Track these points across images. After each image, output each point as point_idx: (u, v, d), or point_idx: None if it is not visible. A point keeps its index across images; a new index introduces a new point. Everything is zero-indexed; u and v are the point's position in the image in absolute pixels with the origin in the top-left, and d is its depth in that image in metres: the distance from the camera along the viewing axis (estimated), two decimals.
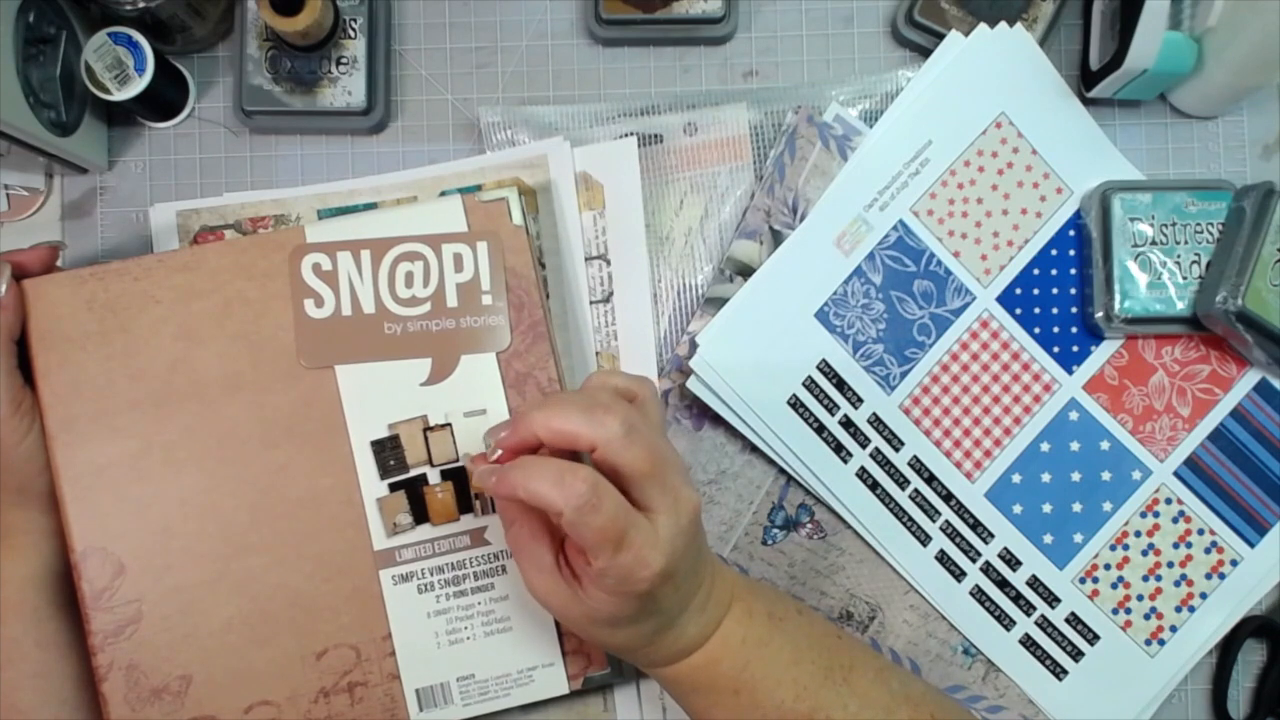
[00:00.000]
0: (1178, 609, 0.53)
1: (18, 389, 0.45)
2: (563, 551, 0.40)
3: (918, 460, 0.53)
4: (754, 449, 0.53)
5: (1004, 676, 0.53)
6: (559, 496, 0.35)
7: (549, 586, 0.39)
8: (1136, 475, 0.53)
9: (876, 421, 0.53)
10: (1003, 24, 0.53)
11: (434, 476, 0.48)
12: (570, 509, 0.35)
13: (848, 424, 0.53)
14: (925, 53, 0.55)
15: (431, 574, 0.48)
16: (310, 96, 0.54)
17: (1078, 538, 0.53)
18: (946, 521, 0.53)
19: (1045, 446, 0.53)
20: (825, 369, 0.52)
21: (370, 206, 0.53)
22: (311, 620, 0.47)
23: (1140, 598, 0.53)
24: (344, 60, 0.54)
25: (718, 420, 0.53)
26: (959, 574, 0.53)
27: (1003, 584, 0.53)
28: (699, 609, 0.42)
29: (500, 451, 0.39)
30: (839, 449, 0.53)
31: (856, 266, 0.53)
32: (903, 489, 0.53)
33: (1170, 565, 0.53)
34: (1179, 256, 0.52)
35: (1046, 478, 0.53)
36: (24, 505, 0.46)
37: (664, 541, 0.37)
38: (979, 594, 0.53)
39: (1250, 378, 0.54)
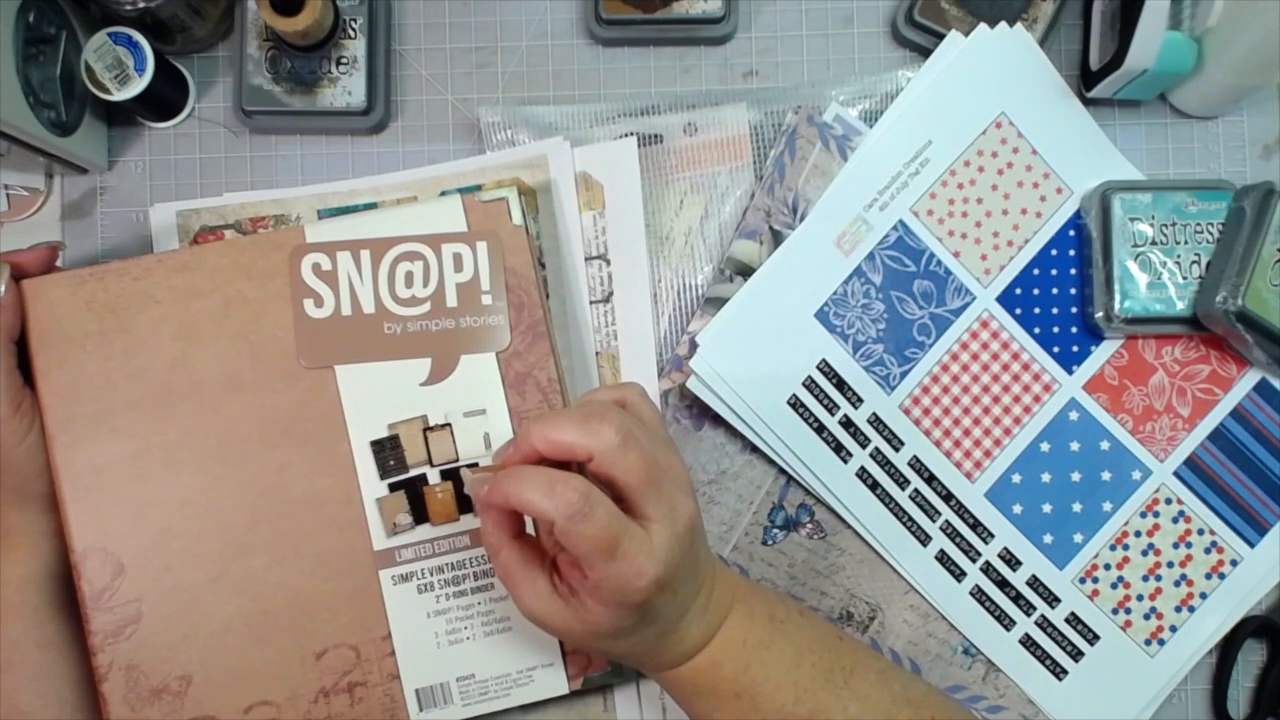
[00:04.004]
0: (1178, 609, 0.53)
1: (17, 389, 0.45)
2: (555, 572, 0.40)
3: (918, 460, 0.53)
4: (754, 449, 0.53)
5: (1004, 676, 0.53)
6: (550, 505, 0.35)
7: (547, 607, 0.39)
8: (1136, 475, 0.53)
9: (876, 421, 0.53)
10: (1003, 24, 0.53)
11: (434, 476, 0.48)
12: (562, 517, 0.35)
13: (848, 424, 0.53)
14: (925, 53, 0.55)
15: (431, 574, 0.48)
16: (310, 96, 0.54)
17: (1078, 538, 0.53)
18: (946, 521, 0.53)
19: (1045, 446, 0.53)
20: (825, 369, 0.52)
21: (370, 206, 0.53)
22: (311, 620, 0.47)
23: (1140, 598, 0.53)
24: (344, 60, 0.54)
25: (718, 420, 0.53)
26: (959, 574, 0.53)
27: (1003, 584, 0.53)
28: (700, 612, 0.42)
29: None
30: (839, 449, 0.53)
31: (856, 266, 0.53)
32: (903, 489, 0.53)
33: (1170, 565, 0.53)
34: (1179, 256, 0.52)
35: (1046, 478, 0.53)
36: (23, 506, 0.46)
37: (659, 550, 0.37)
38: (979, 594, 0.53)
39: (1250, 378, 0.54)
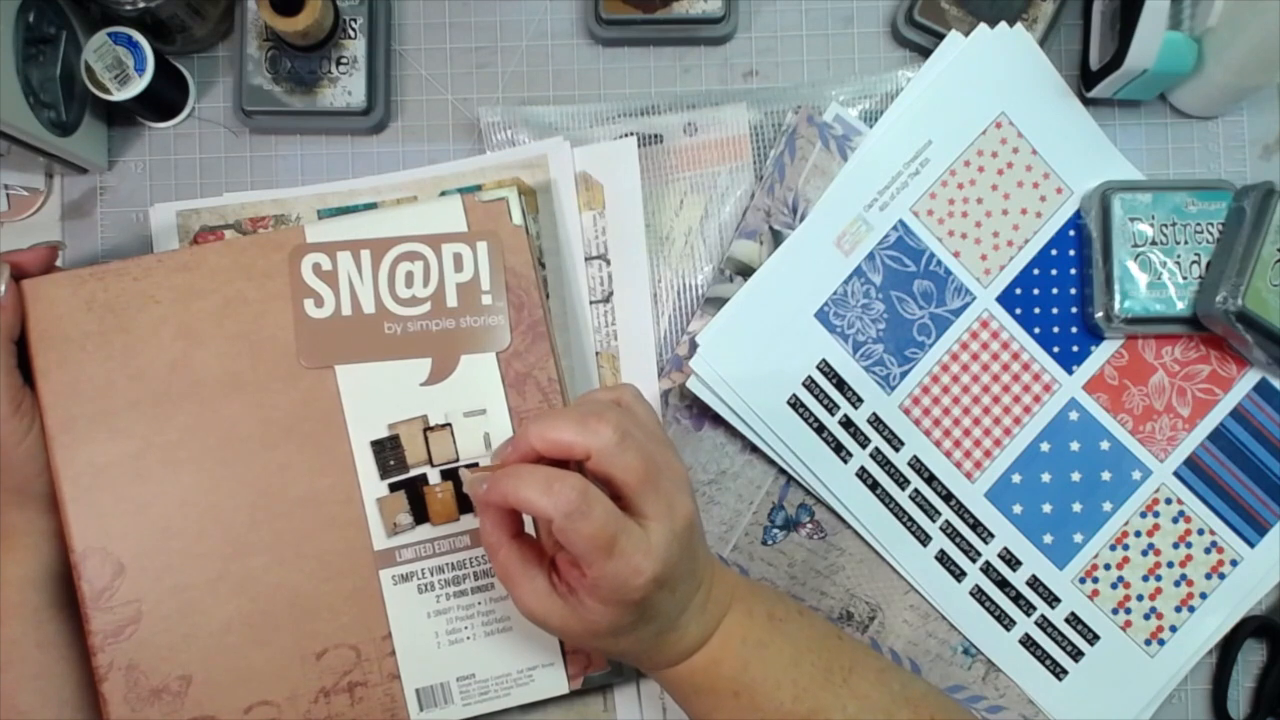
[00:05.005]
0: (1178, 609, 0.53)
1: (17, 389, 0.45)
2: (554, 571, 0.40)
3: (918, 460, 0.53)
4: (754, 449, 0.53)
5: (1004, 676, 0.53)
6: (549, 503, 0.36)
7: (546, 606, 0.39)
8: (1136, 475, 0.53)
9: (876, 421, 0.53)
10: (1003, 24, 0.53)
11: (434, 476, 0.48)
12: (560, 515, 0.35)
13: (848, 424, 0.53)
14: (925, 53, 0.55)
15: (431, 574, 0.48)
16: (310, 96, 0.54)
17: (1078, 538, 0.53)
18: (946, 521, 0.53)
19: (1045, 446, 0.53)
20: (825, 369, 0.52)
21: (370, 206, 0.53)
22: (311, 620, 0.47)
23: (1140, 598, 0.53)
24: (344, 60, 0.54)
25: (718, 420, 0.53)
26: (959, 574, 0.53)
27: (1003, 584, 0.53)
28: (699, 610, 0.42)
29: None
30: (839, 449, 0.53)
31: (856, 266, 0.53)
32: (903, 489, 0.53)
33: (1170, 565, 0.53)
34: (1179, 256, 0.52)
35: (1046, 478, 0.53)
36: (23, 506, 0.46)
37: (656, 548, 0.37)
38: (979, 594, 0.53)
39: (1250, 378, 0.54)
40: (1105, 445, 0.53)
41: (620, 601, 0.38)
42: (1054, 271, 0.54)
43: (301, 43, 0.52)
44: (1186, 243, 0.52)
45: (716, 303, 0.53)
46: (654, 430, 0.41)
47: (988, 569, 0.53)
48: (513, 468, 0.38)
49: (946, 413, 0.53)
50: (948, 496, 0.53)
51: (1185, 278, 0.51)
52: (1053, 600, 0.53)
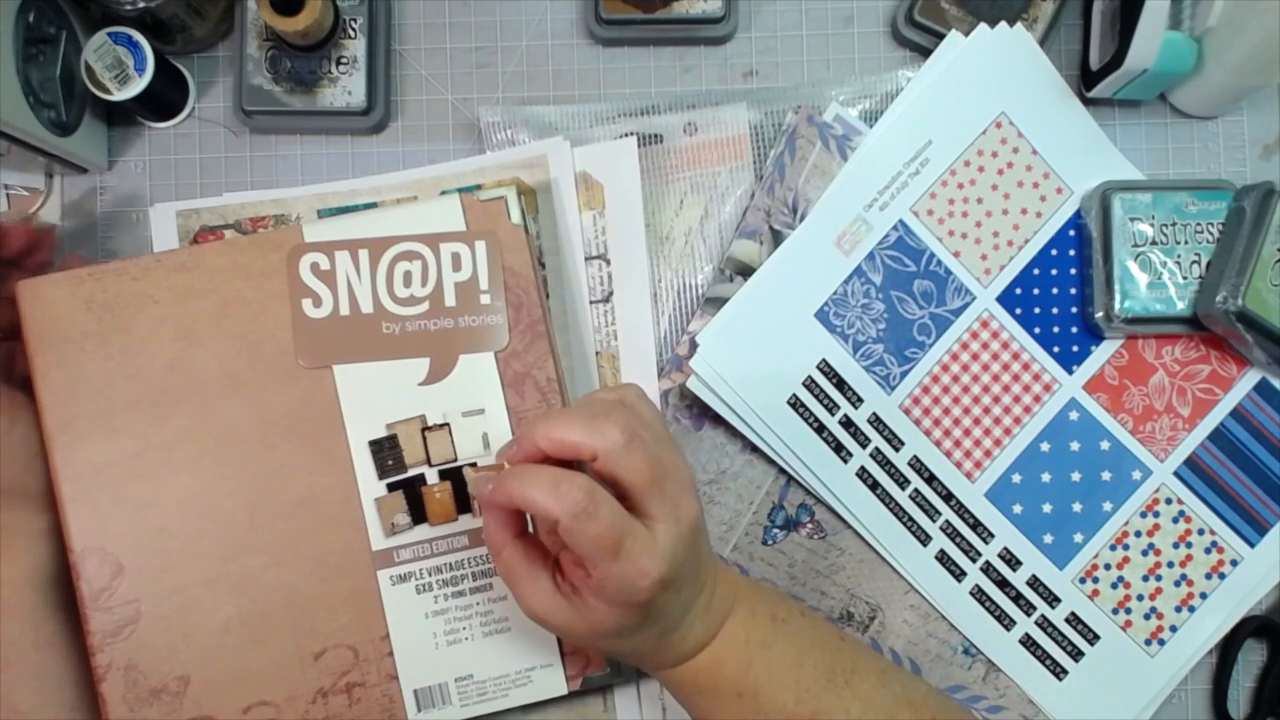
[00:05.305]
0: (1178, 609, 0.53)
1: None
2: (557, 571, 0.40)
3: (918, 460, 0.53)
4: (754, 449, 0.53)
5: (1004, 676, 0.53)
6: (555, 504, 0.35)
7: (550, 606, 0.39)
8: (1136, 475, 0.53)
9: (876, 421, 0.53)
10: (1003, 24, 0.53)
11: (432, 476, 0.48)
12: (567, 516, 0.35)
13: (848, 424, 0.53)
14: (925, 53, 0.55)
15: (429, 574, 0.48)
16: (310, 96, 0.54)
17: (1078, 537, 0.53)
18: (946, 521, 0.53)
19: (1045, 446, 0.53)
20: (825, 369, 0.52)
21: (370, 206, 0.53)
22: (310, 620, 0.47)
23: (1140, 598, 0.53)
24: (344, 60, 0.54)
25: (718, 420, 0.53)
26: (959, 574, 0.53)
27: (1003, 584, 0.53)
28: (702, 611, 0.42)
29: (506, 465, 0.39)
30: (839, 449, 0.53)
31: (856, 266, 0.53)
32: (903, 489, 0.53)
33: (1170, 565, 0.53)
34: (1179, 256, 0.52)
35: (1046, 478, 0.53)
36: (15, 506, 0.45)
37: (663, 550, 0.37)
38: (979, 594, 0.53)
39: (1250, 378, 0.54)
40: (1105, 445, 0.53)
41: (626, 603, 0.37)
42: (1054, 271, 0.54)
43: (301, 43, 0.53)
44: (1186, 243, 0.52)
45: (716, 303, 0.53)
46: (659, 431, 0.41)
47: (988, 569, 0.53)
48: (519, 468, 0.37)
49: (946, 413, 0.53)
50: (948, 496, 0.53)
51: (1185, 278, 0.51)
52: (1053, 600, 0.53)
